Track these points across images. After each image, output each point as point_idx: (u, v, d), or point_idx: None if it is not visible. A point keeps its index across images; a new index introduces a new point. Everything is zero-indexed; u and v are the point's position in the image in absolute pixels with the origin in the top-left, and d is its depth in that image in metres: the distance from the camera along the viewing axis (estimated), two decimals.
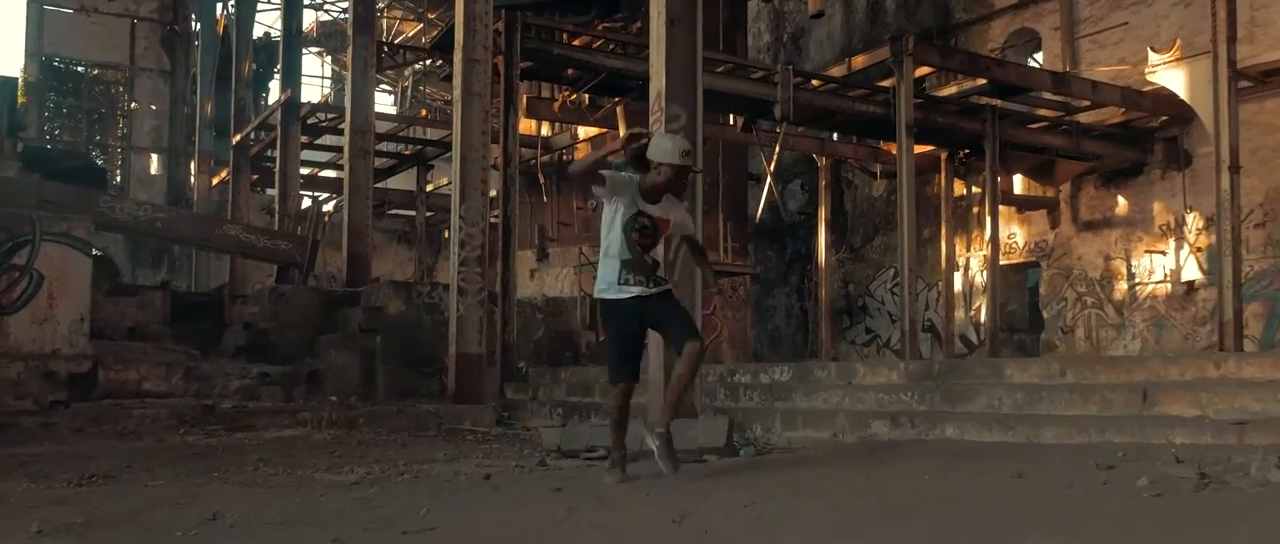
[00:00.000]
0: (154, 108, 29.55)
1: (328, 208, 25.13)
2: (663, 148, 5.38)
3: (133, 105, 29.60)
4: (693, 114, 8.10)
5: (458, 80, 11.46)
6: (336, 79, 29.99)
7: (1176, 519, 3.75)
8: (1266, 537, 3.43)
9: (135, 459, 7.15)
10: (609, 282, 5.40)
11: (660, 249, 5.51)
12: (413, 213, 24.11)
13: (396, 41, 27.73)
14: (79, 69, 30.26)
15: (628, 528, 4.00)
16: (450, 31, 13.99)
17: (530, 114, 16.50)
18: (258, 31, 25.82)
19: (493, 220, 12.76)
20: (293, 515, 4.42)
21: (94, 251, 23.48)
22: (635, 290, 5.33)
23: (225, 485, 5.69)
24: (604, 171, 5.40)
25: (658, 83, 8.11)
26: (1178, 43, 15.38)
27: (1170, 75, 14.59)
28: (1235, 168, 12.95)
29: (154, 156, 29.55)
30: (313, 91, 32.47)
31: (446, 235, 25.57)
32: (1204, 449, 5.29)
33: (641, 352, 5.60)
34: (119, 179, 28.88)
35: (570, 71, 14.03)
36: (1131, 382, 6.59)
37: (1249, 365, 6.44)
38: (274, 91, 26.77)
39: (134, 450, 7.89)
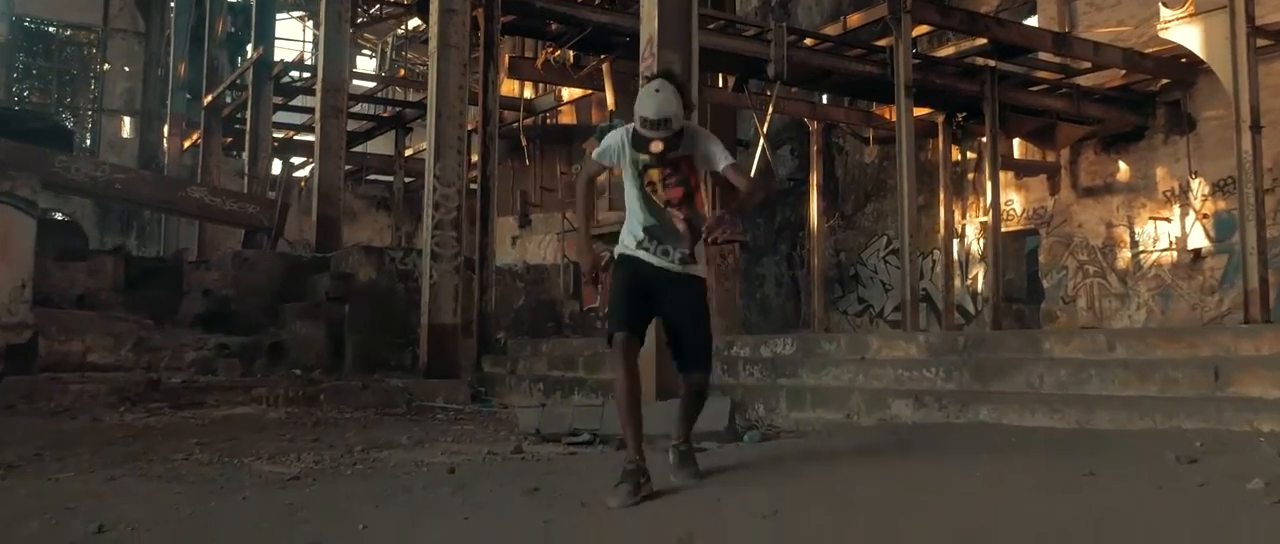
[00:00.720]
0: (127, 69, 28.61)
1: (303, 173, 24.20)
2: (641, 119, 4.29)
3: (105, 67, 28.57)
4: (687, 61, 7.31)
5: (434, 32, 10.63)
6: (319, 43, 28.95)
7: None
8: None
9: (54, 443, 6.36)
10: (626, 242, 4.47)
11: (693, 210, 4.39)
12: (391, 178, 23.20)
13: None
14: (50, 30, 29.25)
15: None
16: None
17: (512, 74, 15.58)
18: None
19: (471, 186, 11.91)
20: (193, 528, 3.60)
21: (59, 216, 22.60)
22: (658, 260, 4.37)
23: (141, 480, 4.90)
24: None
25: (649, 26, 7.33)
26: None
27: (1184, 31, 13.81)
28: (1257, 127, 12.25)
29: (126, 119, 28.57)
30: (293, 55, 31.45)
31: None
32: None
33: (650, 312, 4.49)
34: (89, 142, 27.97)
35: (554, 26, 13.17)
36: (1197, 357, 5.76)
37: None
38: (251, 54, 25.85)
39: (59, 433, 7.10)
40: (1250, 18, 12.07)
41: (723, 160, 4.38)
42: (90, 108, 28.94)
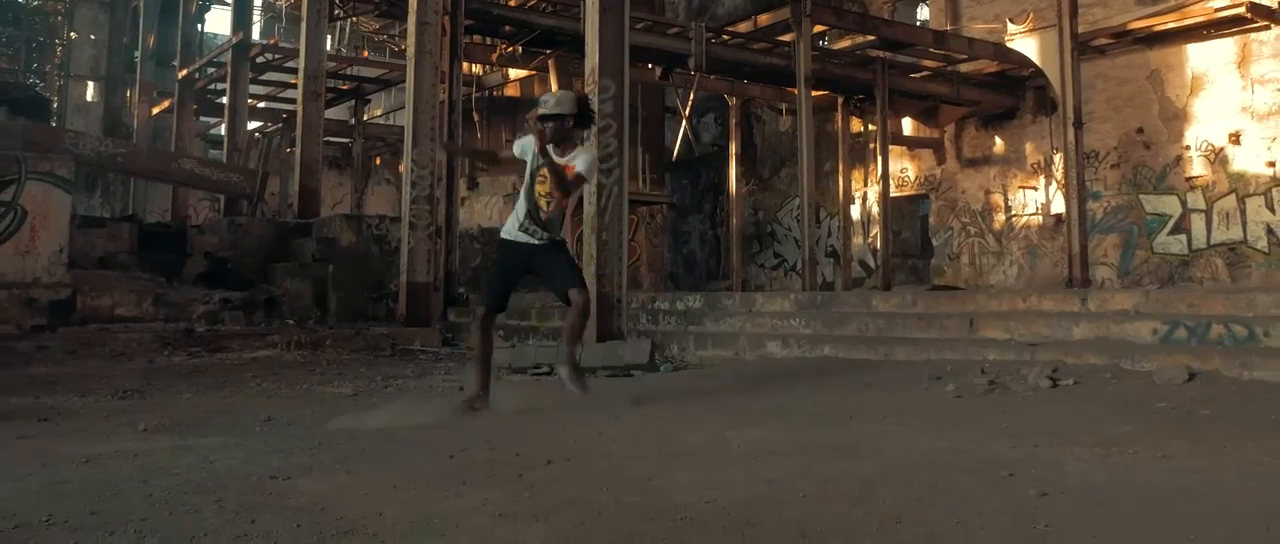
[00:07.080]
0: (93, 38, 30.02)
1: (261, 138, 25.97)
2: (542, 102, 5.93)
3: (72, 35, 30.03)
4: (621, 86, 9.59)
5: (411, 40, 12.74)
6: (267, 9, 30.62)
7: (962, 413, 5.46)
8: (1018, 423, 5.06)
9: (148, 377, 8.16)
10: (510, 227, 6.00)
11: (558, 206, 5.86)
12: (346, 140, 25.16)
13: None
14: (20, 0, 30.65)
15: (594, 414, 5.54)
16: None
17: (467, 58, 17.63)
18: None
19: None
20: (333, 415, 5.87)
21: None
22: (527, 238, 5.89)
23: (249, 397, 6.99)
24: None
25: (592, 59, 9.58)
26: (1032, 16, 17.38)
27: (1025, 43, 16.56)
28: (1078, 124, 14.94)
29: (91, 84, 30.02)
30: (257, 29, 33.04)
31: (377, 162, 26.79)
32: (1006, 365, 7.05)
33: (513, 290, 6.22)
34: (56, 105, 29.41)
35: (508, 28, 15.36)
36: (963, 311, 8.35)
37: (1047, 300, 8.24)
38: (210, 22, 27.54)
39: (136, 370, 8.86)
40: (1074, 34, 14.71)
41: (582, 165, 5.86)
42: (57, 73, 30.42)
